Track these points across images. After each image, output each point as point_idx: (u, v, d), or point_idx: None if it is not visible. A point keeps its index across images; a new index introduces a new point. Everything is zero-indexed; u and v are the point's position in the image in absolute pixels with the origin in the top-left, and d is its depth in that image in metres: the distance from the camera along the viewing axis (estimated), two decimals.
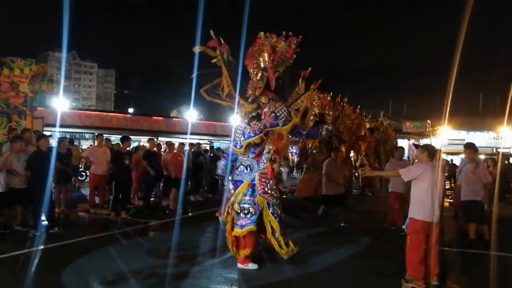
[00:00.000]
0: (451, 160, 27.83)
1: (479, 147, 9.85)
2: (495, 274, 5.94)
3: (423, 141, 42.52)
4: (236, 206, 6.56)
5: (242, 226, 6.48)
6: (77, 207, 11.25)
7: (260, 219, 6.57)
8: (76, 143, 20.85)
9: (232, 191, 6.75)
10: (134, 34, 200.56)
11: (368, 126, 19.01)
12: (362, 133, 18.11)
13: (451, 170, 20.63)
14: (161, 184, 13.22)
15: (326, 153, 12.63)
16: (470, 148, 8.43)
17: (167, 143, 13.60)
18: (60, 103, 20.56)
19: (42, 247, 7.24)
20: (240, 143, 6.58)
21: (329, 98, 13.99)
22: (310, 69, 8.24)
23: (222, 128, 33.28)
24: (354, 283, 6.04)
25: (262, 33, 6.99)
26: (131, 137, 11.81)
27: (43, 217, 8.36)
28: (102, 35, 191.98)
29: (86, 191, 13.12)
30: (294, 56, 6.99)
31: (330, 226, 9.92)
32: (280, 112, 6.56)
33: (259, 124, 6.51)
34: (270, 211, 6.57)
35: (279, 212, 6.69)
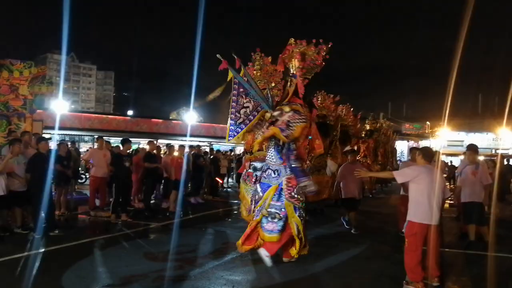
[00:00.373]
0: (451, 162, 27.87)
1: (478, 148, 9.85)
2: (494, 275, 5.96)
3: (423, 143, 42.56)
4: (264, 210, 6.75)
5: (270, 232, 6.67)
6: (78, 209, 11.24)
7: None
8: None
9: (261, 194, 6.91)
10: (133, 36, 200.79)
11: (368, 127, 19.04)
12: (362, 134, 18.16)
13: (450, 172, 20.65)
14: (161, 186, 13.22)
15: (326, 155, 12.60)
16: (471, 149, 8.43)
17: (167, 145, 13.59)
18: (59, 106, 20.54)
19: (42, 249, 7.23)
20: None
21: (331, 99, 13.96)
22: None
23: (222, 130, 33.27)
24: (354, 284, 6.04)
25: (293, 39, 7.13)
26: (130, 139, 11.79)
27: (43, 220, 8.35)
28: (101, 37, 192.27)
29: (84, 194, 13.14)
30: (323, 63, 7.16)
31: (330, 227, 9.92)
32: (293, 123, 6.64)
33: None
34: (297, 214, 6.74)
35: (304, 214, 6.88)
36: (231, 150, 26.40)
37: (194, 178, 13.62)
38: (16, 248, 7.09)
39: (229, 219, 10.91)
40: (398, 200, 9.80)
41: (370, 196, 17.04)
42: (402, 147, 38.25)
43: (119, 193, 10.20)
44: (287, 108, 6.78)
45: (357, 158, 17.08)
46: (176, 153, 12.18)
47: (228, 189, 18.48)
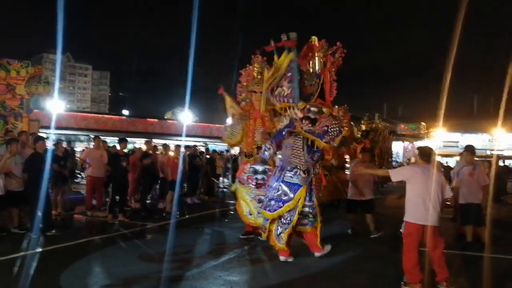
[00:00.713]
0: (446, 162, 27.96)
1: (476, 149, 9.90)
2: (491, 276, 5.98)
3: (418, 143, 42.71)
4: (297, 210, 6.90)
5: (303, 224, 7.06)
6: (74, 209, 11.21)
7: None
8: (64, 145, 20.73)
9: (291, 194, 6.89)
10: (129, 36, 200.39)
11: (363, 128, 19.07)
12: (358, 135, 18.18)
13: (445, 172, 20.72)
14: (157, 187, 13.20)
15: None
16: (468, 150, 8.47)
17: (163, 145, 13.60)
18: (55, 105, 20.52)
19: (39, 249, 7.21)
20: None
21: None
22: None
23: (217, 130, 33.27)
24: (352, 284, 6.05)
25: (315, 38, 7.14)
26: (127, 139, 11.79)
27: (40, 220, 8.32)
28: (97, 37, 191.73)
29: (82, 193, 13.10)
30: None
31: (327, 228, 9.92)
32: (332, 130, 6.72)
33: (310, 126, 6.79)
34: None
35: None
36: (227, 151, 26.37)
37: (190, 178, 13.62)
38: (13, 248, 7.06)
39: (226, 220, 10.93)
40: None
41: None
42: (397, 148, 38.36)
43: (116, 193, 10.20)
44: (326, 110, 6.88)
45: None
46: (171, 153, 12.19)
47: (224, 189, 18.48)
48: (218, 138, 30.29)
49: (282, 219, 6.97)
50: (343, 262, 7.09)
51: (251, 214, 8.28)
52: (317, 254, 7.08)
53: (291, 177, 6.97)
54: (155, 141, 21.66)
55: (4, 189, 8.05)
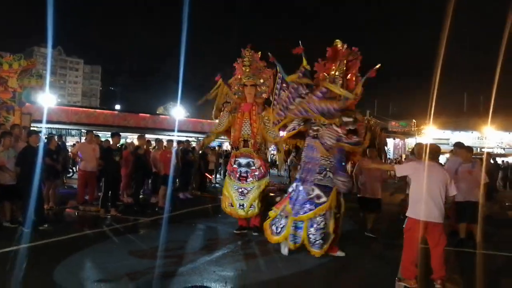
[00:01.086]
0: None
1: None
2: (484, 272, 6.04)
3: (408, 140, 42.95)
4: (332, 212, 7.00)
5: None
6: (67, 203, 11.14)
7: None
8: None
9: (324, 198, 6.96)
10: (120, 31, 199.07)
11: None
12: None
13: None
14: (150, 181, 13.19)
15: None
16: (465, 148, 8.54)
17: (156, 140, 13.56)
18: (47, 99, 20.34)
19: (31, 244, 7.16)
20: (330, 144, 7.06)
21: None
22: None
23: (209, 125, 33.20)
24: (347, 281, 6.11)
25: (339, 41, 7.26)
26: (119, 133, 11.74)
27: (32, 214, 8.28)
28: (89, 31, 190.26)
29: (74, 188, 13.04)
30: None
31: None
32: (362, 133, 7.11)
33: (357, 139, 7.05)
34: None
35: None
36: (219, 146, 26.35)
37: (182, 173, 13.60)
38: (5, 242, 7.00)
39: (219, 215, 10.90)
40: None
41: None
42: (388, 144, 38.53)
43: (108, 188, 10.16)
44: (359, 116, 7.18)
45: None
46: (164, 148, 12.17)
47: (217, 185, 18.48)
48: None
49: (315, 225, 6.91)
50: (337, 258, 7.10)
51: (232, 206, 8.46)
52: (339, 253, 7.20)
53: (321, 179, 7.08)
54: (147, 136, 21.63)
55: None
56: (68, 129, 25.71)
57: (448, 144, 40.23)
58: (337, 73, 7.16)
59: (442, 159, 28.30)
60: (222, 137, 10.34)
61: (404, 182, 10.68)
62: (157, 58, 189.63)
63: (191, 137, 28.27)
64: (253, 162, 8.48)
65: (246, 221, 8.67)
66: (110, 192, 10.18)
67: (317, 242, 6.83)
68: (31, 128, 10.59)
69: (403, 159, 30.38)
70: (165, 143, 12.45)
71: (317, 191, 7.02)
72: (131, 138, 24.09)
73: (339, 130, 7.05)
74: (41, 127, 17.28)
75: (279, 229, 7.13)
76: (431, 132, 41.07)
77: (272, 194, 15.51)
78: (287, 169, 25.74)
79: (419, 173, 5.76)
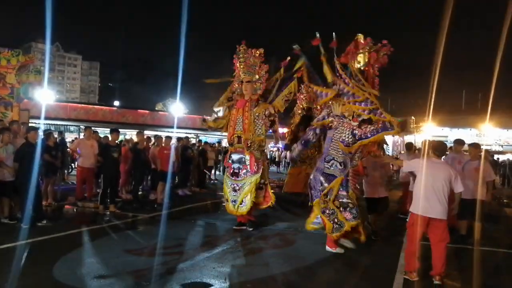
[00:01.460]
0: None
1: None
2: (483, 269, 6.06)
3: (407, 138, 42.95)
4: (336, 202, 7.09)
5: (351, 219, 7.06)
6: (68, 199, 11.10)
7: None
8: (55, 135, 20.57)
9: (325, 184, 7.16)
10: (119, 27, 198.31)
11: None
12: None
13: None
14: (149, 178, 13.18)
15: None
16: (473, 145, 8.55)
17: (155, 136, 13.54)
18: (45, 95, 20.26)
19: (30, 240, 7.13)
20: (348, 140, 7.11)
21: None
22: (289, 58, 8.95)
23: None
24: (347, 277, 6.10)
25: (361, 35, 7.36)
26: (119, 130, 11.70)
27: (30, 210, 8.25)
28: (87, 27, 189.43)
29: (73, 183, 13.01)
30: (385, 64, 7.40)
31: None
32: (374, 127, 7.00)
33: (372, 128, 6.97)
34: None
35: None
36: (218, 143, 26.34)
37: (181, 170, 13.58)
38: (3, 239, 6.99)
39: (218, 211, 10.91)
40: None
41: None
42: (387, 141, 38.47)
43: (107, 184, 10.14)
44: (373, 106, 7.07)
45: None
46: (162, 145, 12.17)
47: (215, 181, 18.46)
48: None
49: (327, 211, 7.17)
50: (339, 254, 7.13)
51: (227, 201, 8.67)
52: (329, 249, 7.20)
53: (328, 168, 7.24)
54: (146, 132, 21.61)
55: None
56: (66, 125, 25.65)
57: (447, 141, 40.38)
58: (361, 65, 7.30)
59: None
60: (222, 133, 10.35)
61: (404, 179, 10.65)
62: (156, 55, 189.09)
63: (190, 133, 28.28)
64: (244, 158, 8.60)
65: (243, 217, 8.70)
66: (109, 189, 10.16)
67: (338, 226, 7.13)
68: (30, 124, 10.53)
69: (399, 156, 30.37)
70: (163, 140, 12.43)
71: (321, 178, 7.24)
72: (130, 134, 24.05)
73: (351, 122, 7.18)
74: (39, 123, 17.24)
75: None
76: (429, 129, 41.06)
77: (272, 191, 15.51)
78: (286, 165, 25.77)
79: (424, 170, 5.80)
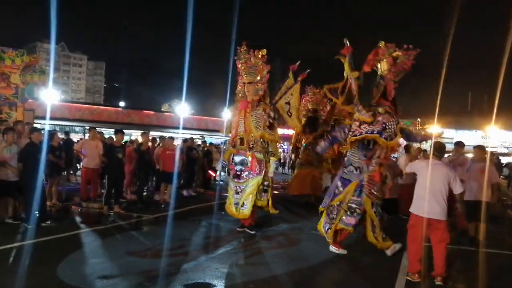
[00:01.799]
0: None
1: (468, 145, 9.96)
2: (486, 271, 6.02)
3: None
4: (344, 205, 7.10)
5: (347, 224, 7.13)
6: (70, 200, 11.11)
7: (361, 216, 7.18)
8: (62, 136, 20.60)
9: (341, 188, 7.21)
10: (125, 27, 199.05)
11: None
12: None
13: None
14: (154, 179, 13.18)
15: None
16: (478, 147, 8.55)
17: (161, 137, 13.54)
18: (50, 95, 20.29)
19: (34, 240, 7.14)
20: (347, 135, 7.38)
21: (322, 94, 13.85)
22: (298, 62, 9.14)
23: (213, 123, 33.21)
24: (349, 277, 6.09)
25: (383, 42, 7.28)
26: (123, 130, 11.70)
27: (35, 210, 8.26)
28: (92, 27, 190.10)
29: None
30: (410, 68, 7.33)
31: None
32: (390, 126, 6.95)
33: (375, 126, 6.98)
34: (373, 210, 7.06)
35: (380, 211, 7.24)
36: (223, 143, 26.32)
37: (186, 170, 13.58)
38: (7, 239, 7.01)
39: (222, 212, 10.86)
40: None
41: None
42: None
43: (112, 185, 10.13)
44: (381, 110, 7.05)
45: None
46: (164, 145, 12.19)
47: (221, 182, 18.44)
48: (214, 130, 30.29)
49: (330, 214, 7.24)
50: (342, 255, 7.12)
51: (230, 204, 8.54)
52: (333, 248, 7.20)
53: (345, 173, 7.29)
54: (152, 133, 21.62)
55: None
56: (71, 125, 25.69)
57: (452, 143, 40.19)
58: (383, 71, 7.25)
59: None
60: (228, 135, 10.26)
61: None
62: (162, 55, 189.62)
63: (195, 134, 28.29)
64: (246, 160, 8.48)
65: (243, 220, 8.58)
66: (113, 189, 10.15)
67: (328, 232, 7.20)
68: (34, 125, 10.54)
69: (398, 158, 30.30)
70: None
71: (338, 183, 7.30)
72: (135, 135, 24.09)
73: (355, 123, 7.27)
74: (44, 124, 17.26)
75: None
76: (435, 131, 40.95)
77: (276, 192, 15.48)
78: (291, 167, 25.70)
79: (423, 171, 5.87)
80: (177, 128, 28.28)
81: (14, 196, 8.45)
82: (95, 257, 6.39)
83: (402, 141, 7.00)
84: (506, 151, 42.18)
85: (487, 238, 7.67)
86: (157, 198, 11.94)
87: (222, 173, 20.26)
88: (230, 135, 8.95)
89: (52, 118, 22.60)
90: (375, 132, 6.91)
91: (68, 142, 14.23)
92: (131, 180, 12.11)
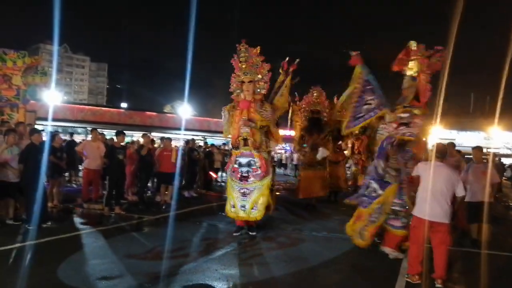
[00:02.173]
0: None
1: (470, 147, 9.95)
2: (487, 272, 6.00)
3: None
4: (386, 207, 7.08)
5: (397, 227, 7.06)
6: (71, 201, 11.13)
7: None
8: (66, 137, 20.63)
9: (380, 191, 7.13)
10: (127, 28, 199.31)
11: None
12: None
13: None
14: (155, 180, 13.19)
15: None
16: (476, 148, 8.56)
17: (161, 138, 13.55)
18: (52, 97, 20.36)
19: (35, 241, 7.15)
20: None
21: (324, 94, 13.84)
22: (298, 60, 9.02)
23: (215, 124, 33.21)
24: (349, 279, 6.07)
25: (414, 42, 7.26)
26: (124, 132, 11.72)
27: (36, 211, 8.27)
28: (95, 28, 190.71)
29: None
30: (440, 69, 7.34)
31: (322, 222, 9.95)
32: (425, 129, 7.13)
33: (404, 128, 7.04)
34: None
35: None
36: (224, 144, 26.32)
37: (187, 172, 13.59)
38: (8, 240, 7.03)
39: (223, 213, 10.90)
40: None
41: None
42: None
43: (113, 186, 10.15)
44: (417, 111, 7.07)
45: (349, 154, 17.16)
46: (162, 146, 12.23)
47: (222, 183, 18.44)
48: (216, 132, 30.31)
49: (372, 217, 7.18)
50: (342, 256, 7.13)
51: (234, 207, 8.25)
52: (387, 250, 7.14)
53: (381, 175, 7.21)
54: (154, 134, 21.64)
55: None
56: (73, 127, 25.76)
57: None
58: (414, 72, 7.25)
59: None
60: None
61: None
62: (164, 56, 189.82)
63: (197, 135, 28.31)
64: (254, 161, 8.23)
65: (245, 221, 8.41)
66: (114, 190, 10.17)
67: (363, 232, 7.20)
68: (36, 126, 10.57)
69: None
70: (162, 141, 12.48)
71: (374, 185, 7.18)
72: (137, 136, 24.15)
73: (392, 124, 7.23)
74: (46, 125, 17.31)
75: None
76: (437, 132, 40.85)
77: (278, 193, 15.47)
78: (294, 168, 25.70)
79: (426, 173, 5.83)
80: (179, 129, 28.30)
81: (15, 197, 8.48)
82: (95, 258, 6.39)
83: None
84: (509, 152, 42.00)
85: (489, 239, 7.64)
86: (158, 199, 11.95)
87: (224, 174, 20.27)
88: (229, 136, 8.73)
89: (54, 119, 22.69)
90: (413, 135, 6.94)
91: (72, 144, 14.25)
92: (132, 181, 12.12)
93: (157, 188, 12.63)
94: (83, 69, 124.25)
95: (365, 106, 7.50)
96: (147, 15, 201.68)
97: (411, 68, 7.27)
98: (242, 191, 8.20)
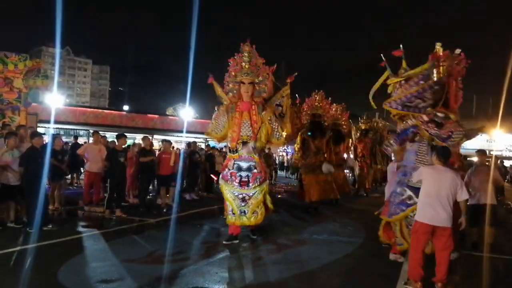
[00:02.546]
0: None
1: (472, 149, 9.94)
2: (487, 276, 6.00)
3: None
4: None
5: None
6: (72, 204, 11.14)
7: None
8: (71, 140, 20.67)
9: (416, 198, 6.70)
10: (129, 31, 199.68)
11: (363, 127, 19.05)
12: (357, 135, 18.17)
13: None
14: (156, 183, 13.20)
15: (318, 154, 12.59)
16: (480, 151, 8.56)
17: (162, 140, 13.57)
18: (54, 99, 20.41)
19: (36, 244, 7.15)
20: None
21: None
22: (296, 74, 8.51)
23: None
24: (349, 283, 6.05)
25: (439, 44, 7.09)
26: (125, 134, 11.73)
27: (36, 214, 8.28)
28: (97, 31, 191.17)
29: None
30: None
31: (323, 225, 9.94)
32: (456, 136, 6.69)
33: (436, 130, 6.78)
34: None
35: None
36: (226, 147, 26.34)
37: (189, 174, 13.59)
38: (9, 242, 7.04)
39: (224, 216, 10.89)
40: None
41: (365, 195, 17.12)
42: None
43: (114, 189, 10.15)
44: (453, 117, 6.89)
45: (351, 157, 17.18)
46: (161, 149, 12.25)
47: None
48: None
49: (409, 225, 6.89)
50: (340, 260, 7.10)
51: (234, 214, 7.93)
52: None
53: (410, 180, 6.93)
54: (156, 137, 21.65)
55: (1, 182, 8.02)
56: (75, 129, 25.78)
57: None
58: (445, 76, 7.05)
59: None
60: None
61: None
62: (166, 59, 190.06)
63: (199, 138, 28.30)
64: (254, 165, 7.97)
65: (240, 229, 8.10)
66: (115, 193, 10.17)
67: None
68: (38, 129, 10.59)
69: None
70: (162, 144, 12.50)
71: (409, 192, 6.90)
72: (140, 139, 24.18)
73: (424, 116, 6.90)
74: (48, 127, 17.34)
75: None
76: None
77: (280, 196, 15.46)
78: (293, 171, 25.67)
79: (428, 177, 5.77)
80: (181, 131, 28.28)
81: (16, 200, 8.48)
82: (96, 261, 6.39)
83: None
84: (511, 154, 41.89)
85: (491, 242, 7.63)
86: (160, 202, 11.96)
87: None
88: (229, 139, 8.25)
89: (56, 122, 22.69)
90: (439, 139, 6.70)
91: (76, 146, 14.27)
92: (133, 184, 12.13)
93: (158, 190, 12.64)
94: (85, 72, 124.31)
95: (419, 100, 7.06)
96: (149, 18, 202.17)
97: (440, 73, 7.00)
98: (241, 196, 7.90)
